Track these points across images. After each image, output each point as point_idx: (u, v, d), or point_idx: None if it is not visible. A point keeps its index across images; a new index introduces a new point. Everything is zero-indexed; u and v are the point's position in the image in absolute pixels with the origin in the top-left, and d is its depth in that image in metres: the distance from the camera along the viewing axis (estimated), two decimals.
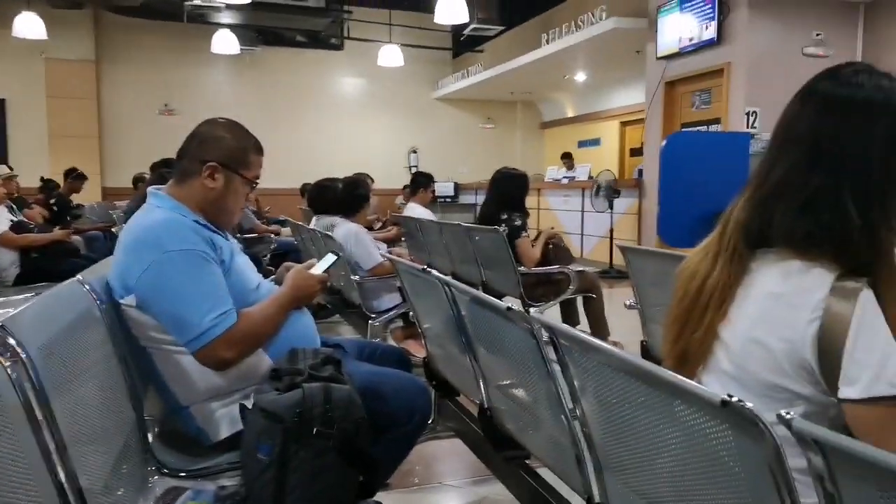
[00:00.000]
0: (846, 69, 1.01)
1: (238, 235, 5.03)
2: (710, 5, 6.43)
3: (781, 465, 0.71)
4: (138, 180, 7.49)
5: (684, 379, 0.86)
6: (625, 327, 3.53)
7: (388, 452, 1.64)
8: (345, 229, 3.74)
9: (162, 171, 4.41)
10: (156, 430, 1.64)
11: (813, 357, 0.91)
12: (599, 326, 3.89)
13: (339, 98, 12.37)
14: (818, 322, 0.91)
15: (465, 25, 9.12)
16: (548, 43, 9.00)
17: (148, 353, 1.55)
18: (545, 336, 1.20)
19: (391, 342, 3.75)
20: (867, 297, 0.90)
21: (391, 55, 10.22)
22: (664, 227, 5.87)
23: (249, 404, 1.48)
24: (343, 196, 3.99)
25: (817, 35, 6.30)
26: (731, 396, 0.73)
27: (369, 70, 11.52)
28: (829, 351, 0.89)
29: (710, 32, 6.45)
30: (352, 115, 12.31)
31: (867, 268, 0.94)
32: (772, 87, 6.08)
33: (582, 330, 1.18)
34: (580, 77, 10.58)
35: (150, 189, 1.69)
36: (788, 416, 0.68)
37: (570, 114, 12.53)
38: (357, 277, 3.57)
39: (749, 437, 0.74)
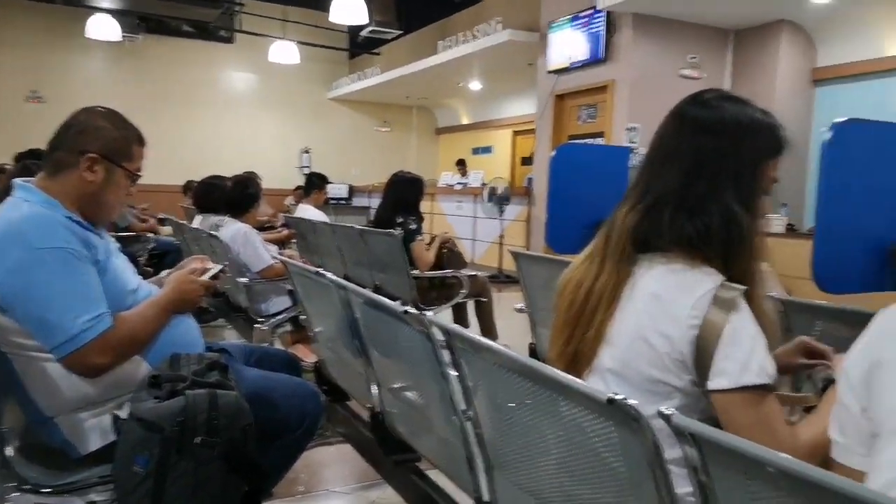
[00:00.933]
0: (709, 94, 1.15)
1: (113, 234, 4.72)
2: (598, 25, 6.76)
3: (660, 458, 0.76)
4: None
5: (573, 378, 0.90)
6: (512, 330, 3.63)
7: (276, 460, 1.59)
8: (233, 229, 3.60)
9: (27, 162, 4.05)
10: (16, 443, 1.51)
11: (690, 353, 1.01)
12: (489, 329, 3.98)
13: (228, 93, 11.90)
14: (697, 324, 1.00)
15: (362, 27, 9.07)
16: (444, 50, 9.11)
17: (8, 359, 1.42)
18: (441, 338, 1.21)
19: (279, 346, 3.64)
20: (742, 305, 1.01)
21: (285, 52, 9.97)
22: (552, 234, 6.07)
23: (123, 414, 1.40)
24: (232, 195, 3.85)
25: (692, 58, 6.78)
26: (616, 395, 0.77)
27: (261, 66, 11.18)
28: (704, 349, 0.99)
29: (597, 51, 6.77)
30: (241, 112, 11.87)
31: (744, 268, 1.05)
32: (650, 105, 6.47)
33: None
34: (475, 86, 10.79)
35: (16, 181, 1.54)
36: (668, 412, 0.72)
37: (465, 121, 12.75)
38: (245, 279, 3.45)
39: (630, 432, 0.78)
